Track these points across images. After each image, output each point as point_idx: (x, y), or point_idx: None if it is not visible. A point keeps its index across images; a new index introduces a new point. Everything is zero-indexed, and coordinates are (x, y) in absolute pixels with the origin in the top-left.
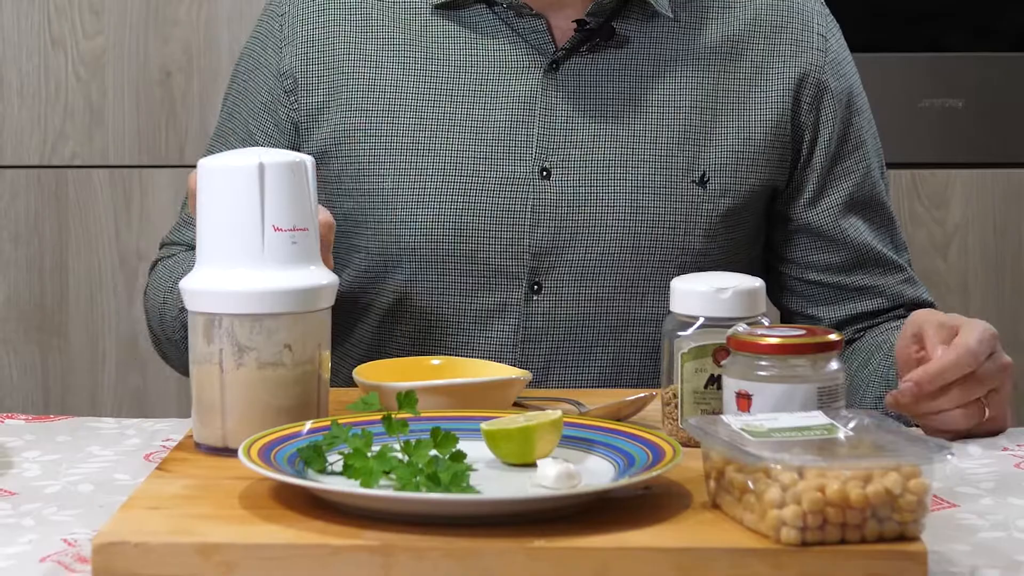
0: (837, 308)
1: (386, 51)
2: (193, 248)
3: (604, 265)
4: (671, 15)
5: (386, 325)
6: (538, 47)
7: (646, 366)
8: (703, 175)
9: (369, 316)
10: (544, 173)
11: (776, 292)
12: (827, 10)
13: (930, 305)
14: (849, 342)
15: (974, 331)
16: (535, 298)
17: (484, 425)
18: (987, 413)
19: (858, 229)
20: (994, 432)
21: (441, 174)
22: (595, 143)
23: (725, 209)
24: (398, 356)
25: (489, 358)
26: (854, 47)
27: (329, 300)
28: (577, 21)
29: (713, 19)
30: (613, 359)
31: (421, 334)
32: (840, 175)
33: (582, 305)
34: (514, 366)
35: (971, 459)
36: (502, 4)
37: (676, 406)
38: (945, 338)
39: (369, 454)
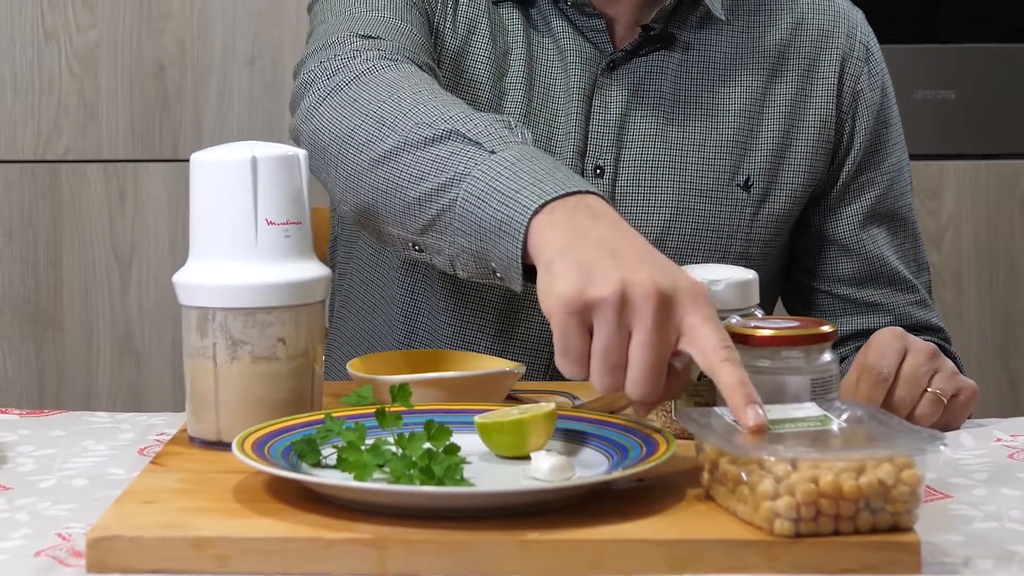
0: (845, 322)
1: (474, 27)
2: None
3: None
4: (724, 19)
5: (427, 309)
6: (598, 46)
7: None
8: (748, 180)
9: (411, 298)
10: (598, 171)
11: (789, 301)
12: (867, 22)
13: (938, 330)
14: (843, 359)
15: (873, 348)
16: None
17: (478, 418)
18: (945, 401)
19: (876, 242)
20: (972, 399)
21: None
22: (646, 144)
23: (767, 215)
24: (438, 339)
25: (527, 348)
26: None
27: (323, 294)
28: (643, 26)
29: (763, 22)
30: None
31: (461, 320)
32: (864, 185)
33: None
34: (551, 359)
35: (964, 450)
36: (566, 1)
37: None
38: (859, 362)
39: (363, 447)
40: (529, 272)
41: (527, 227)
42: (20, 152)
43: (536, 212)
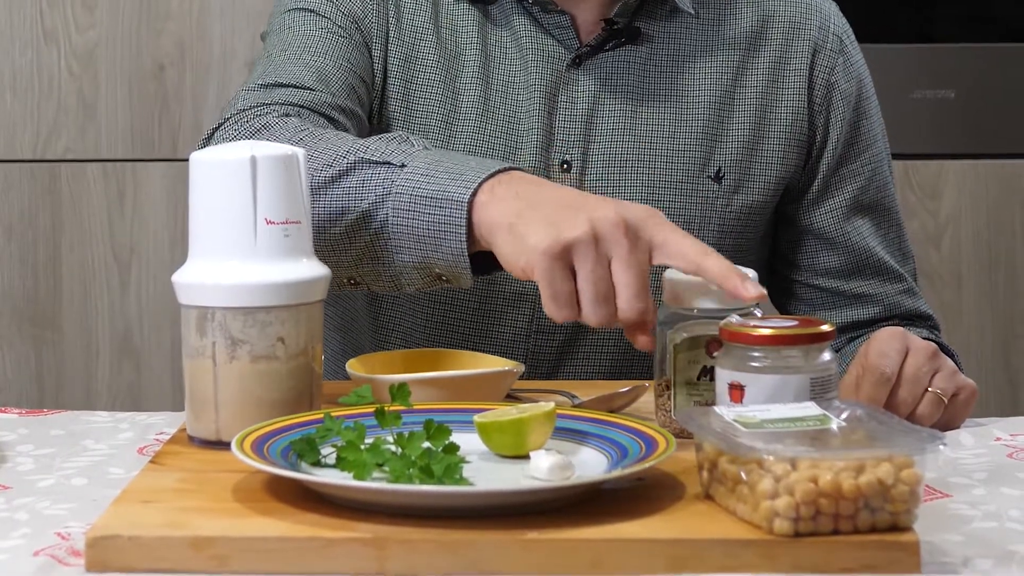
0: (834, 315)
1: (420, 33)
2: (308, 89)
3: None
4: (692, 11)
5: (398, 311)
6: (562, 42)
7: None
8: (719, 171)
9: (382, 302)
10: (565, 166)
11: (777, 295)
12: (842, 14)
13: (928, 317)
14: (836, 351)
15: (874, 347)
16: None
17: (477, 417)
18: (945, 401)
19: (861, 233)
20: (972, 398)
21: None
22: (614, 137)
23: (739, 206)
24: (410, 343)
25: (502, 348)
26: None
27: (322, 293)
28: (606, 20)
29: (732, 14)
30: (624, 352)
31: (435, 322)
32: (846, 177)
33: None
34: (526, 357)
35: (964, 449)
36: None
37: (669, 397)
38: (860, 362)
39: (362, 447)
40: (475, 266)
41: (468, 217)
42: (19, 152)
43: (471, 200)
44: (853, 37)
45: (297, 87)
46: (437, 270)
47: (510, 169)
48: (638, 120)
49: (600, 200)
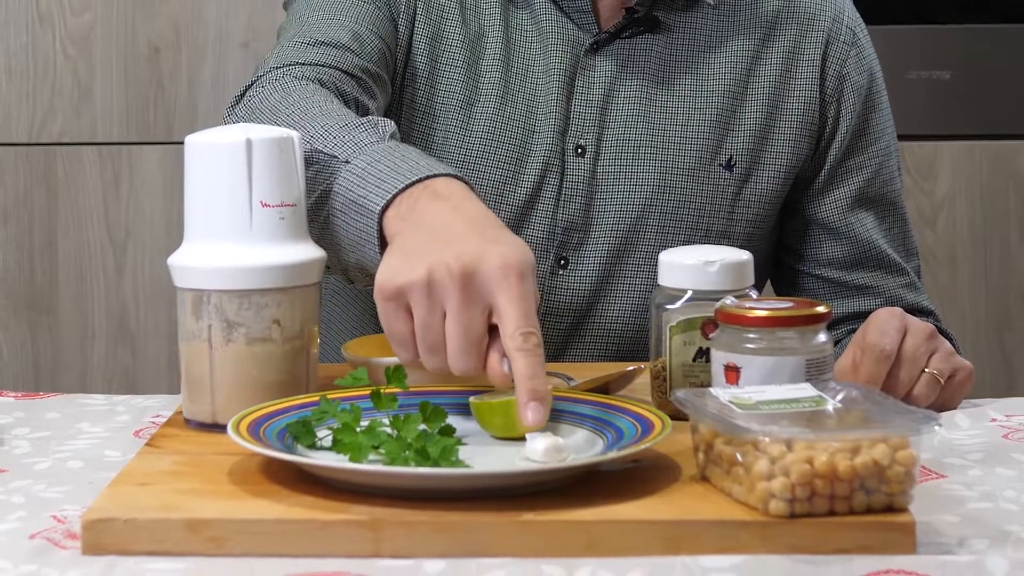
0: (836, 305)
1: (446, 13)
2: (322, 66)
3: (630, 243)
4: (712, 2)
5: None
6: (582, 26)
7: None
8: (730, 159)
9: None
10: (579, 150)
11: (780, 285)
12: (855, 7)
13: (929, 313)
14: (836, 342)
15: (873, 326)
16: (561, 272)
17: (473, 399)
18: (942, 381)
19: (865, 225)
20: (968, 379)
21: (485, 140)
22: (628, 124)
23: (749, 195)
24: None
25: None
26: None
27: (318, 275)
28: (626, 8)
29: (749, 4)
30: (633, 336)
31: None
32: (852, 169)
33: (606, 282)
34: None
35: (959, 430)
36: None
37: (665, 379)
38: (858, 342)
39: (358, 429)
40: None
41: (379, 231)
42: (15, 135)
43: (383, 214)
44: (866, 30)
45: (333, 45)
46: (371, 272)
47: (438, 176)
48: (652, 107)
49: (465, 236)
